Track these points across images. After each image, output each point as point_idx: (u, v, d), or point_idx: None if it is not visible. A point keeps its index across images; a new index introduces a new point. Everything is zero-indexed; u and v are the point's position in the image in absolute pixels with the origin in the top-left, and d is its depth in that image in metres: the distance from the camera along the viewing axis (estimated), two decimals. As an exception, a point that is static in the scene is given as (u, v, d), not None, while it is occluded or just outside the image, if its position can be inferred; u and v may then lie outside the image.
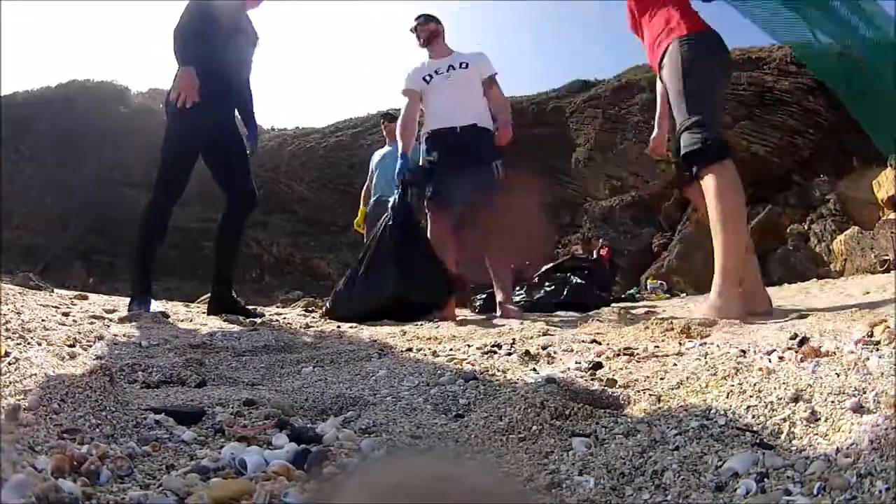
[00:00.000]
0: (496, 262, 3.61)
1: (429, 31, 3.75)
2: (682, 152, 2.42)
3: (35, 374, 0.98)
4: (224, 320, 2.85)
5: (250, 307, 3.48)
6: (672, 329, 1.91)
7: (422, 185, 3.50)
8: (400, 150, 3.55)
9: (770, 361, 1.10)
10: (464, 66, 3.63)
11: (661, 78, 2.68)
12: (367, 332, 2.49)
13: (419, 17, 3.86)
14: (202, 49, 2.91)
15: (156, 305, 3.12)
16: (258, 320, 2.90)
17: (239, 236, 3.38)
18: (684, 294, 7.67)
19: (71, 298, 3.28)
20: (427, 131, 3.61)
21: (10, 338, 1.38)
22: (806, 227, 8.51)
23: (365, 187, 5.32)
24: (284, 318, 3.46)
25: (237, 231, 3.34)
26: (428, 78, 3.66)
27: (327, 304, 3.66)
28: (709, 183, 2.38)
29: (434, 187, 3.49)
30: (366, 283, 3.22)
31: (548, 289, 5.31)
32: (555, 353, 1.56)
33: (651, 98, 12.28)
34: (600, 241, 10.03)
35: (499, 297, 3.55)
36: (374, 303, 3.12)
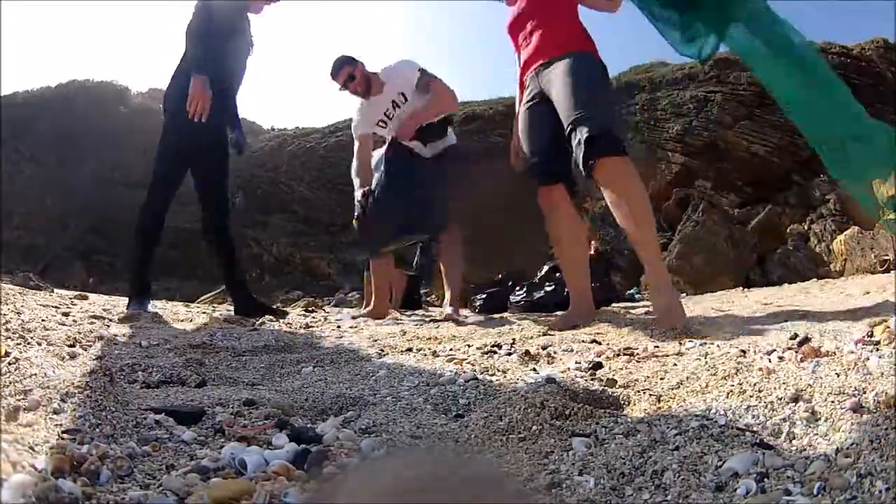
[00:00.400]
0: (447, 262, 3.61)
1: (364, 81, 3.41)
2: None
3: (35, 374, 0.98)
4: (224, 320, 2.85)
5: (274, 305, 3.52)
6: (672, 329, 1.91)
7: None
8: (362, 192, 3.39)
9: (770, 361, 1.10)
10: (403, 101, 3.41)
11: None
12: (367, 331, 2.49)
13: (340, 68, 3.41)
14: (207, 52, 2.92)
15: (153, 306, 3.12)
16: (282, 319, 2.93)
17: (225, 232, 3.30)
18: (684, 294, 7.68)
19: (71, 298, 3.28)
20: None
21: (10, 338, 1.38)
22: (806, 227, 8.50)
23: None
24: (284, 318, 3.45)
25: (221, 228, 3.27)
26: (383, 124, 3.47)
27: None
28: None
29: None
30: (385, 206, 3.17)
31: (548, 289, 5.30)
32: (555, 353, 1.56)
33: (651, 98, 12.29)
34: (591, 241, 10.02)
35: (447, 297, 3.58)
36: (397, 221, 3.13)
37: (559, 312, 4.02)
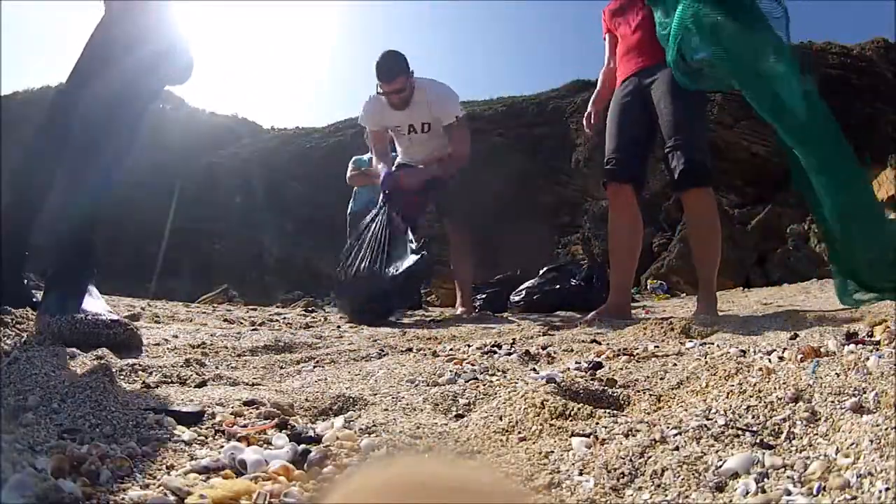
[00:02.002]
0: (457, 264, 3.63)
1: (408, 96, 3.21)
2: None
3: (35, 374, 0.98)
4: (224, 320, 2.85)
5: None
6: (672, 329, 1.91)
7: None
8: (381, 172, 3.36)
9: (770, 361, 1.10)
10: (426, 128, 3.27)
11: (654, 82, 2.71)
12: (367, 331, 2.49)
13: (397, 75, 3.12)
14: None
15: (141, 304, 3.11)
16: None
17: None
18: (684, 294, 7.66)
19: (71, 298, 3.27)
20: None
21: (10, 337, 1.38)
22: (806, 227, 8.49)
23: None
24: (284, 318, 3.46)
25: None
26: (391, 126, 3.38)
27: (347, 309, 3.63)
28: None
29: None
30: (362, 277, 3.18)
31: (548, 289, 5.30)
32: (555, 353, 1.56)
33: (651, 98, 12.31)
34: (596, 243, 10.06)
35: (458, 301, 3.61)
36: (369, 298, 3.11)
37: (559, 312, 4.02)
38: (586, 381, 1.09)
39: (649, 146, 2.79)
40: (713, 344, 1.56)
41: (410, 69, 3.20)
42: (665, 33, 2.45)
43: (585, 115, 3.14)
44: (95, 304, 1.57)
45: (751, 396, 0.81)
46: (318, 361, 1.55)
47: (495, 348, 1.66)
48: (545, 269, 5.75)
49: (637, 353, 1.41)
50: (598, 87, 3.12)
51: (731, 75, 2.30)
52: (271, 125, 19.13)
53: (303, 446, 0.76)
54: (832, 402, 0.75)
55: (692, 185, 2.54)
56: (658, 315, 2.99)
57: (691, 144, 2.52)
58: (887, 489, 0.54)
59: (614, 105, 2.85)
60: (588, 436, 0.79)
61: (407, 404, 1.02)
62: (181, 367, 1.32)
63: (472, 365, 1.37)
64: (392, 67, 3.15)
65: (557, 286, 5.29)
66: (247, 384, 1.24)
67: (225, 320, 2.90)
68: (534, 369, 1.33)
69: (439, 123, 3.26)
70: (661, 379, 1.10)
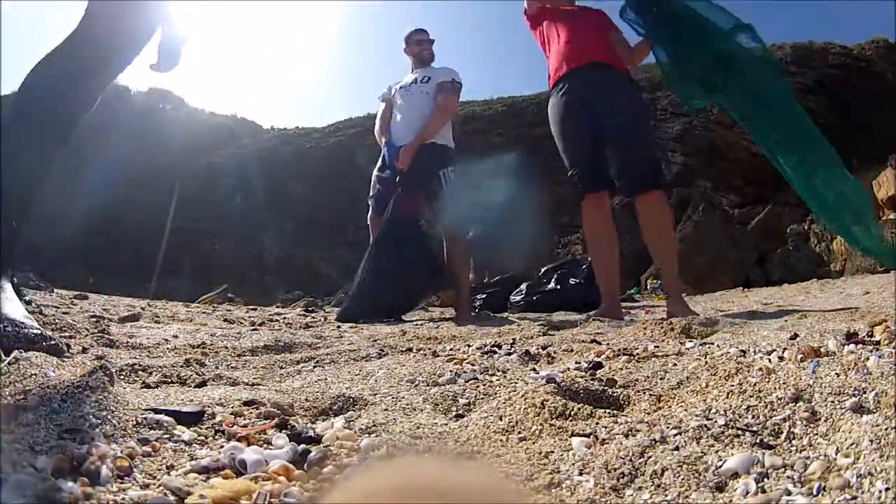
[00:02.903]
0: (456, 273, 3.70)
1: (426, 56, 3.90)
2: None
3: (35, 374, 0.98)
4: (224, 320, 2.85)
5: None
6: (672, 329, 1.91)
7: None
8: (384, 142, 3.84)
9: (770, 361, 1.10)
10: (425, 80, 3.78)
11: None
12: (367, 331, 2.49)
13: (419, 34, 3.95)
14: None
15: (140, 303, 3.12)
16: None
17: None
18: (684, 294, 7.66)
19: (71, 298, 3.28)
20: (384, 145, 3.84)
21: (9, 336, 1.38)
22: (806, 227, 8.50)
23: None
24: (284, 318, 3.46)
25: None
26: (394, 89, 3.91)
27: (342, 306, 3.73)
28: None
29: (373, 202, 3.79)
30: (376, 281, 3.32)
31: (548, 289, 5.30)
32: (555, 353, 1.56)
33: (651, 98, 12.27)
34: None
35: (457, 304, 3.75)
36: (385, 300, 3.22)
37: (559, 312, 4.02)
38: (586, 381, 1.09)
39: (605, 150, 2.78)
40: (713, 344, 1.56)
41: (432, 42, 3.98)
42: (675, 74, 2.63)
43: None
44: (11, 306, 1.43)
45: (751, 396, 0.81)
46: (318, 361, 1.55)
47: (495, 348, 1.66)
48: (545, 268, 5.76)
49: (637, 353, 1.41)
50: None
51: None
52: (271, 125, 19.15)
53: (303, 446, 0.76)
54: (832, 402, 0.75)
55: (645, 188, 2.63)
56: (658, 315, 2.99)
57: (643, 155, 2.65)
58: (887, 489, 0.54)
59: (560, 108, 2.81)
60: (588, 436, 0.79)
61: (407, 404, 1.02)
62: (181, 367, 1.32)
63: (472, 365, 1.37)
64: (425, 33, 3.98)
65: (557, 286, 5.30)
66: (247, 384, 1.24)
67: (225, 320, 2.90)
68: (534, 369, 1.33)
69: (433, 81, 3.77)
70: (661, 379, 1.10)
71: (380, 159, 3.90)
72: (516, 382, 1.16)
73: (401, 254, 3.29)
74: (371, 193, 3.91)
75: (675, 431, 0.73)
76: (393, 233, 3.37)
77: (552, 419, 0.86)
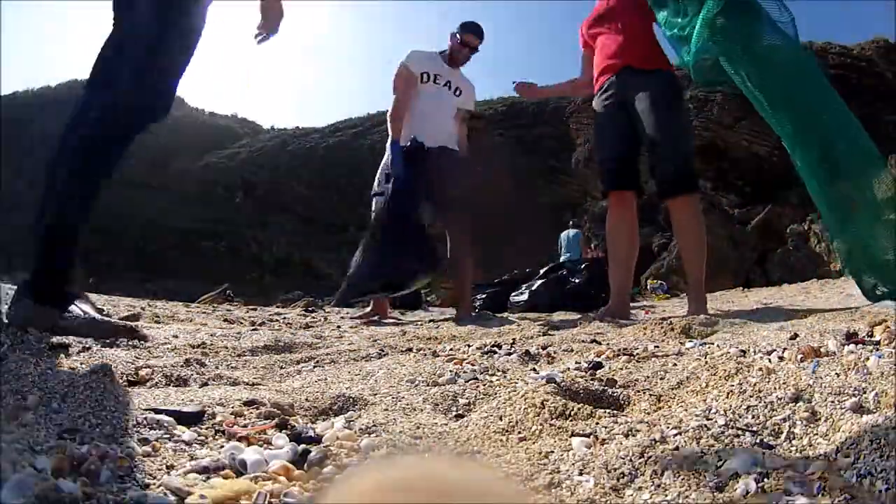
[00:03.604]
0: (458, 270, 3.67)
1: (465, 57, 3.68)
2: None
3: (34, 374, 0.98)
4: (224, 320, 2.85)
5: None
6: (672, 329, 1.91)
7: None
8: (390, 139, 3.50)
9: (770, 361, 1.10)
10: (457, 93, 3.66)
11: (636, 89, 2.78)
12: (366, 331, 2.49)
13: (475, 33, 3.68)
14: None
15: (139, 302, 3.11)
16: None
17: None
18: (684, 294, 7.66)
19: (71, 298, 3.27)
20: (403, 140, 3.51)
21: (9, 336, 1.38)
22: (806, 227, 8.50)
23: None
24: (284, 318, 3.46)
25: None
26: (426, 76, 3.59)
27: (338, 293, 3.63)
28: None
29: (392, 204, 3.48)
30: (373, 255, 3.23)
31: (548, 289, 5.31)
32: (555, 353, 1.56)
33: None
34: (593, 244, 10.11)
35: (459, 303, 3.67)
36: (381, 273, 3.14)
37: (559, 312, 4.02)
38: (586, 381, 1.09)
39: (639, 151, 2.88)
40: (713, 344, 1.56)
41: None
42: (678, 33, 2.48)
43: (528, 85, 3.32)
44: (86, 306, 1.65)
45: (751, 396, 0.81)
46: (318, 361, 1.55)
47: (495, 348, 1.66)
48: (545, 268, 5.76)
49: (637, 353, 1.41)
50: (558, 85, 3.40)
51: (748, 67, 2.33)
52: (271, 125, 19.15)
53: (303, 446, 0.76)
54: (832, 402, 0.75)
55: (679, 192, 2.66)
56: (658, 315, 2.99)
57: (677, 153, 2.64)
58: (887, 489, 0.54)
59: (599, 111, 2.95)
60: (588, 436, 0.79)
61: (407, 404, 1.02)
62: (181, 367, 1.32)
63: (472, 365, 1.37)
64: (483, 32, 3.70)
65: (557, 286, 5.30)
66: (247, 384, 1.24)
67: (225, 320, 2.90)
68: (534, 369, 1.33)
69: (462, 103, 3.66)
70: (661, 379, 1.10)
71: (387, 153, 3.61)
72: (516, 382, 1.16)
73: (398, 232, 3.21)
74: (376, 190, 3.68)
75: (675, 431, 0.73)
76: (393, 212, 3.27)
77: (552, 419, 0.86)
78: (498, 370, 1.32)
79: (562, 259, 7.21)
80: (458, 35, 3.64)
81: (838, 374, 0.83)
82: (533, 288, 5.37)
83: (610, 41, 2.89)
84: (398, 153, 3.37)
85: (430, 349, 1.71)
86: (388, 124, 3.54)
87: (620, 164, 2.85)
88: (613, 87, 2.84)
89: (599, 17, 2.99)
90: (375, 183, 3.76)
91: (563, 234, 8.98)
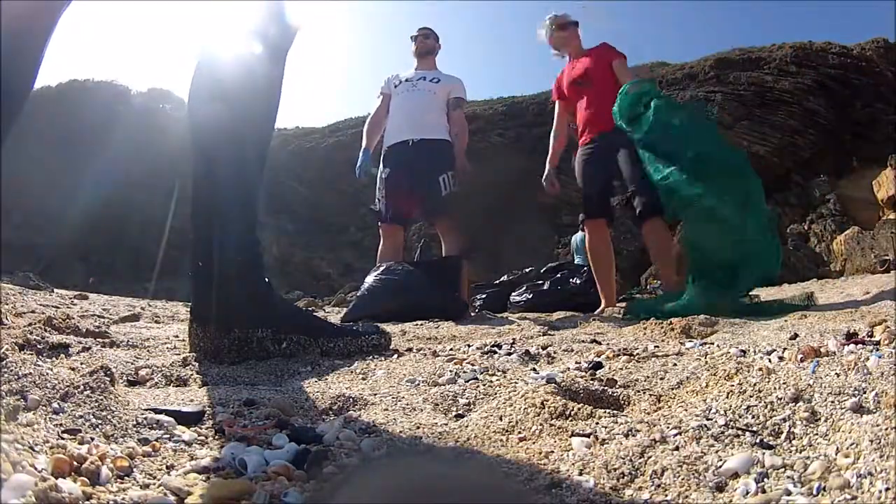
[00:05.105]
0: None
1: (426, 46, 3.99)
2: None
3: (34, 374, 0.98)
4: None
5: None
6: (672, 329, 1.91)
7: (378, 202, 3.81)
8: (363, 147, 3.85)
9: (770, 361, 1.10)
10: (434, 81, 3.83)
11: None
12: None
13: (423, 29, 4.13)
14: None
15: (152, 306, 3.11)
16: None
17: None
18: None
19: (71, 298, 3.28)
20: (383, 147, 3.87)
21: (10, 336, 1.38)
22: (806, 227, 8.50)
23: None
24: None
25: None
26: (396, 83, 3.88)
27: (349, 307, 3.63)
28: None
29: (383, 206, 3.76)
30: (390, 284, 3.28)
31: (548, 289, 5.30)
32: (555, 353, 1.56)
33: (651, 98, 12.29)
34: None
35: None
36: (397, 303, 3.17)
37: (559, 312, 4.02)
38: (586, 381, 1.09)
39: (612, 190, 3.86)
40: (713, 344, 1.56)
41: (438, 45, 4.10)
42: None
43: (545, 176, 4.11)
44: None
45: (751, 396, 0.81)
46: (317, 361, 1.55)
47: (495, 348, 1.66)
48: (545, 268, 5.76)
49: (637, 353, 1.41)
50: (550, 150, 4.15)
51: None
52: (271, 125, 19.13)
53: (303, 446, 0.76)
54: (832, 402, 0.75)
55: (649, 216, 3.51)
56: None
57: (646, 190, 3.35)
58: (887, 489, 0.54)
59: (581, 159, 3.87)
60: (588, 436, 0.79)
61: (407, 404, 1.02)
62: (181, 367, 1.32)
63: (472, 365, 1.37)
64: (429, 30, 4.10)
65: (557, 286, 5.30)
66: (247, 384, 1.24)
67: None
68: (534, 369, 1.33)
69: (445, 91, 3.84)
70: (661, 379, 1.10)
71: (381, 163, 3.85)
72: (516, 382, 1.16)
73: (424, 274, 3.30)
74: (378, 197, 3.81)
75: (675, 431, 0.73)
76: (426, 266, 3.45)
77: (552, 419, 0.86)
78: (498, 370, 1.32)
79: (576, 262, 7.25)
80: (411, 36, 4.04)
81: (838, 374, 0.83)
82: (536, 288, 5.37)
83: (591, 107, 3.77)
84: (366, 159, 3.81)
85: (430, 349, 1.71)
86: (364, 136, 3.92)
87: (598, 198, 3.80)
88: (594, 145, 3.76)
89: (580, 79, 3.81)
90: (377, 193, 3.87)
91: (574, 238, 9.02)
